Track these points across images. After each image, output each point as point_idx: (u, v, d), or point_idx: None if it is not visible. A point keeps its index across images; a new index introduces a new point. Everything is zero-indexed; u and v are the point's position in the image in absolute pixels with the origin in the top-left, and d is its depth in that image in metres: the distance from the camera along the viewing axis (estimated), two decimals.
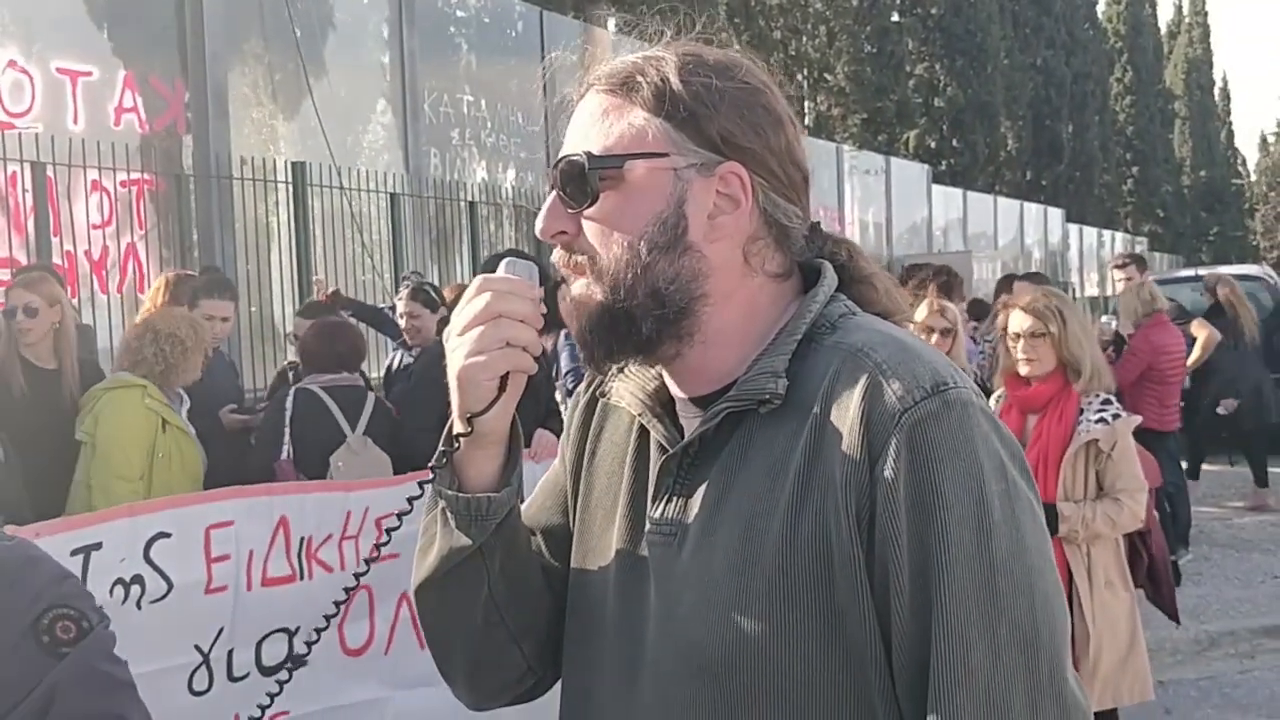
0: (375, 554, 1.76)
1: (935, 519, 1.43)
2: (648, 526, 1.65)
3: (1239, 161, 79.93)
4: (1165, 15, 72.31)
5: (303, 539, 4.83)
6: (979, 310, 11.66)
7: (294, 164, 11.06)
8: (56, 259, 8.83)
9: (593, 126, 1.61)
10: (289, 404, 5.99)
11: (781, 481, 1.52)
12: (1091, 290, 38.61)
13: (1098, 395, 5.06)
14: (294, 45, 11.61)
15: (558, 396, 7.00)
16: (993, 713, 1.42)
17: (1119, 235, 48.26)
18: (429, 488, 1.70)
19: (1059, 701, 1.45)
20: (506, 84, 14.89)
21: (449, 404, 1.64)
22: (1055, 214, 39.84)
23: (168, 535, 4.37)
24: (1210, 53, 73.94)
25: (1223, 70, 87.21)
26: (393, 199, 12.18)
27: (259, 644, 4.75)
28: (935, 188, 31.30)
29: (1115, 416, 5.01)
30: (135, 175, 9.86)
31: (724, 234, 1.59)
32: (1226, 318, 12.33)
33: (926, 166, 32.52)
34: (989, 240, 33.49)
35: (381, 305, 9.42)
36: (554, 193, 1.62)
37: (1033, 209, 37.87)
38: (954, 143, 38.57)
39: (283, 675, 1.87)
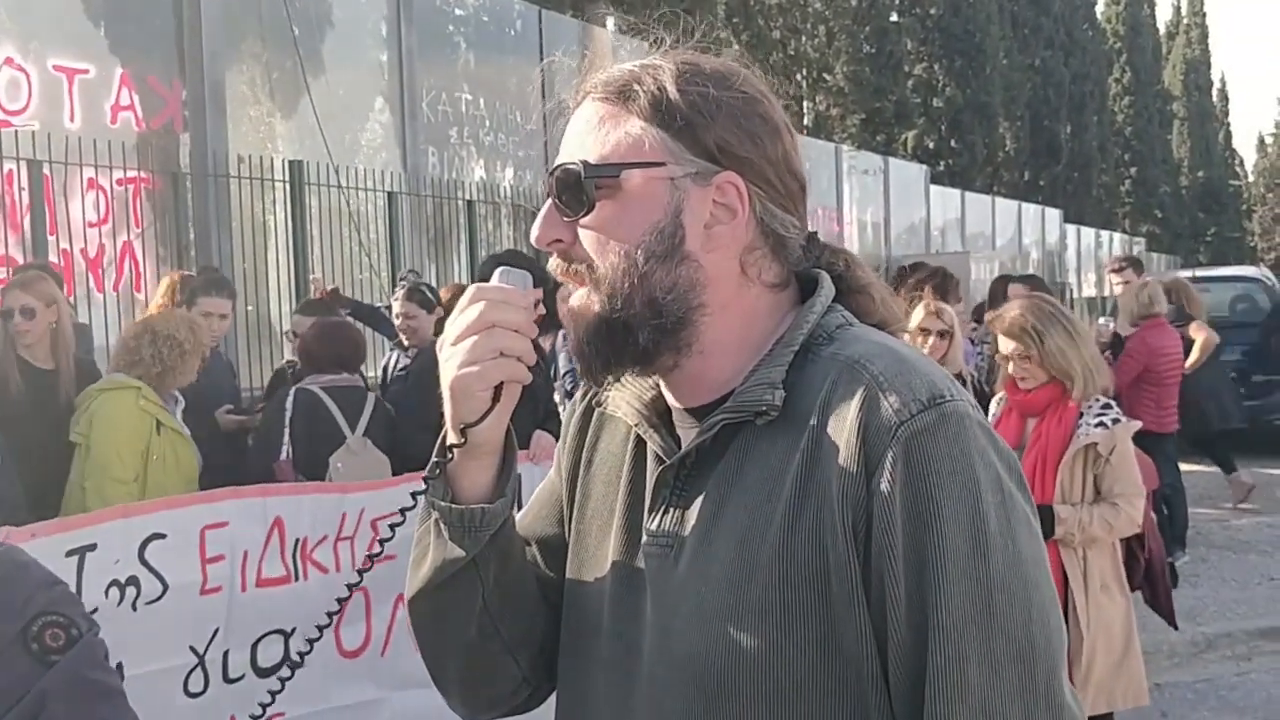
0: (378, 550, 1.75)
1: (932, 532, 1.42)
2: (644, 538, 1.64)
3: (1237, 163, 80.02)
4: (1164, 16, 72.47)
5: (298, 540, 4.83)
6: (981, 313, 11.65)
7: (291, 162, 11.05)
8: (53, 257, 8.81)
9: (589, 135, 1.61)
10: (289, 404, 5.98)
11: (778, 494, 1.51)
12: (1089, 291, 38.62)
13: (1097, 399, 5.05)
14: (292, 44, 11.58)
15: (555, 398, 6.99)
16: None
17: (1117, 236, 48.27)
18: (422, 498, 1.69)
19: (1055, 715, 1.45)
20: (505, 83, 14.87)
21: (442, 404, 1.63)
22: (1053, 214, 39.84)
23: (163, 536, 4.37)
24: (1208, 54, 74.05)
25: (1221, 71, 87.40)
26: (390, 198, 12.16)
27: (254, 645, 4.75)
28: (933, 188, 31.30)
29: (1115, 421, 5.00)
30: (132, 173, 9.84)
31: (721, 244, 1.58)
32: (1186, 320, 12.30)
33: (925, 167, 32.52)
34: (987, 240, 33.49)
35: (379, 305, 9.40)
36: (550, 200, 1.61)
37: (1031, 209, 37.87)
38: (952, 143, 38.59)
39: (284, 673, 1.87)
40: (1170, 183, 62.70)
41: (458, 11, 14.57)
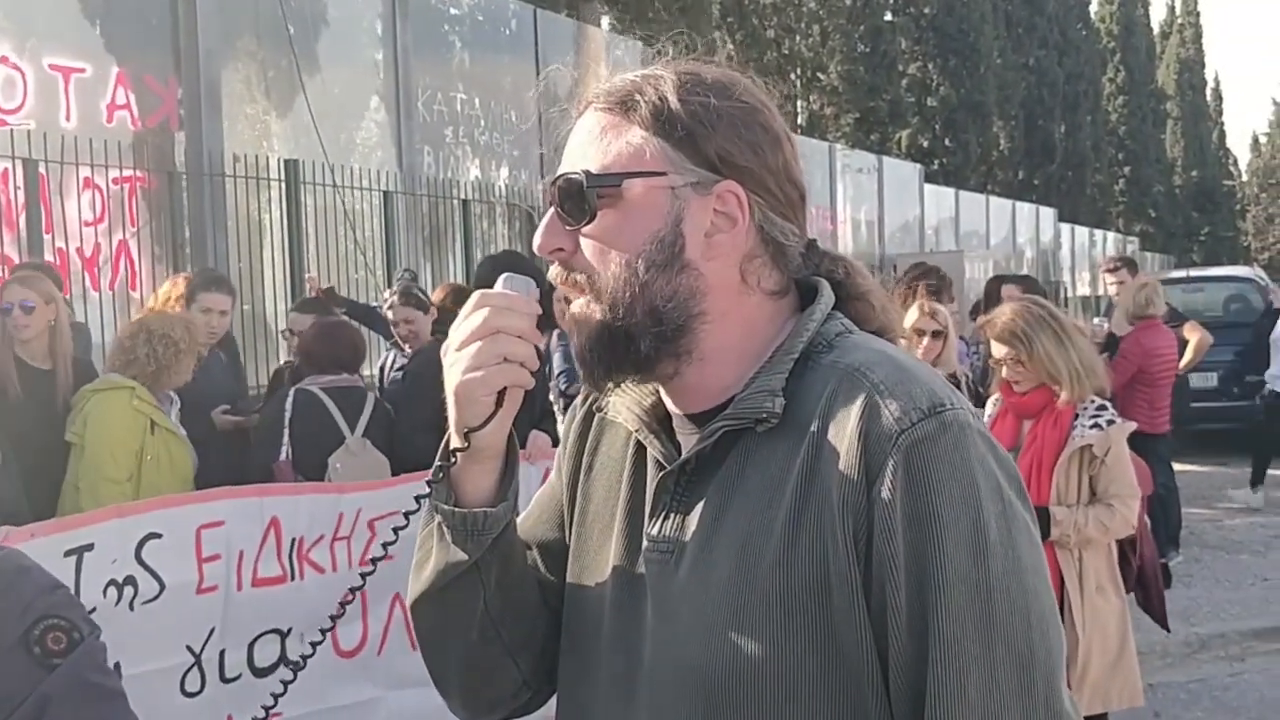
0: (380, 554, 1.76)
1: (932, 540, 1.43)
2: (645, 544, 1.65)
3: (1230, 162, 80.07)
4: (1158, 15, 72.66)
5: (294, 540, 4.83)
6: (977, 313, 11.66)
7: (287, 161, 11.04)
8: (48, 256, 8.79)
9: (591, 145, 1.62)
10: (288, 405, 5.97)
11: (778, 501, 1.52)
12: (1083, 290, 38.66)
13: (1093, 401, 5.06)
14: (287, 42, 11.57)
15: (550, 396, 6.99)
16: None
17: (1111, 235, 48.30)
18: (425, 502, 1.69)
19: None
20: (500, 82, 14.86)
21: (443, 406, 1.64)
22: (1047, 213, 39.84)
23: (159, 536, 4.38)
24: (1202, 53, 74.10)
25: (1215, 71, 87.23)
26: (386, 197, 12.15)
27: (251, 645, 4.76)
28: (927, 187, 31.27)
29: (1110, 422, 5.01)
30: (128, 172, 9.82)
31: (721, 252, 1.60)
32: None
33: (919, 166, 32.52)
34: (981, 239, 33.48)
35: (374, 304, 9.39)
36: (552, 209, 1.62)
37: (1025, 208, 37.88)
38: (946, 142, 38.63)
39: (285, 675, 1.87)
40: (1164, 182, 62.80)
41: (453, 11, 14.56)
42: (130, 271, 9.88)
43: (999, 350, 5.14)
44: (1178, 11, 74.67)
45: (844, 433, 1.49)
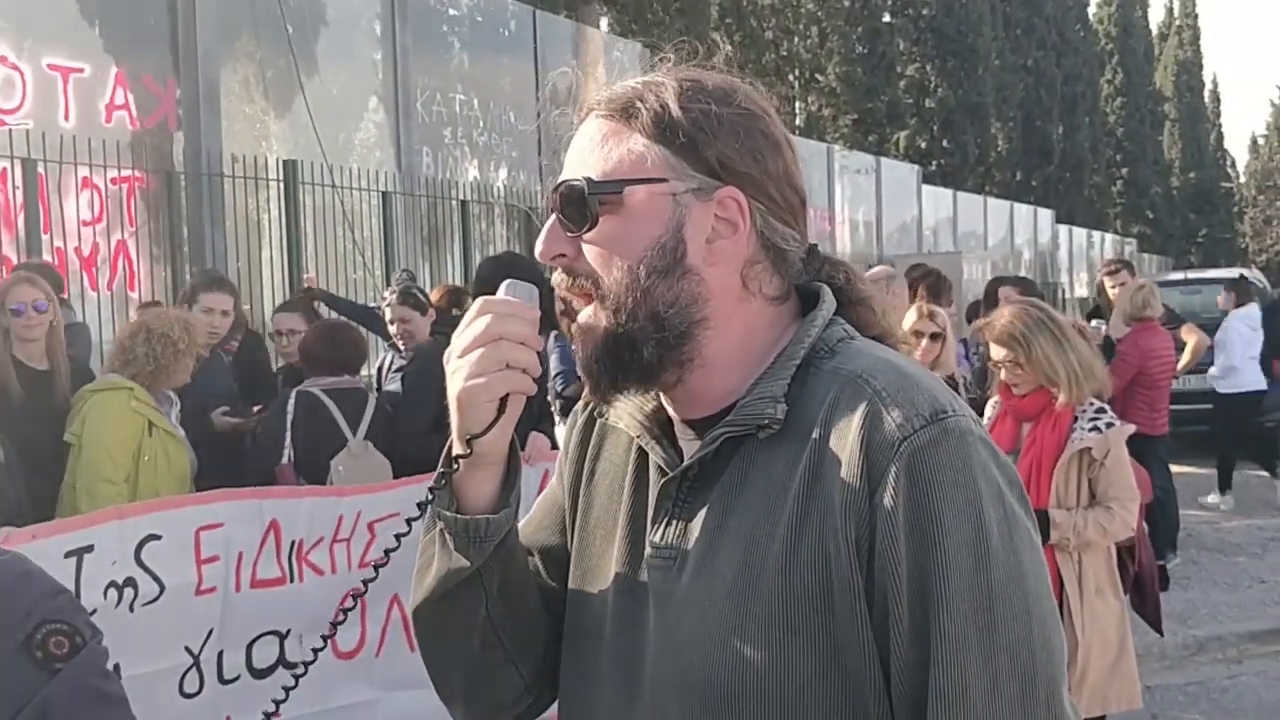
0: (384, 560, 1.76)
1: (934, 546, 1.44)
2: (648, 550, 1.65)
3: (1228, 164, 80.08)
4: (1156, 17, 72.59)
5: (294, 542, 4.84)
6: (974, 315, 11.67)
7: (285, 161, 11.04)
8: (47, 256, 8.80)
9: (592, 152, 1.63)
10: (290, 407, 5.96)
11: (780, 507, 1.53)
12: (1081, 291, 38.67)
13: (1091, 403, 5.07)
14: (286, 42, 11.58)
15: (548, 397, 6.98)
16: None
17: (1108, 236, 48.34)
18: (428, 508, 1.70)
19: None
20: (499, 83, 14.87)
21: (442, 407, 1.64)
22: (1045, 215, 39.88)
23: (158, 537, 4.38)
24: (1200, 55, 74.11)
25: (1213, 73, 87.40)
26: (384, 197, 12.15)
27: (249, 646, 4.77)
28: (925, 188, 31.30)
29: (1109, 425, 5.02)
30: (126, 172, 9.84)
31: (722, 258, 1.60)
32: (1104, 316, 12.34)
33: (917, 167, 32.54)
34: (979, 240, 33.50)
35: (373, 305, 9.39)
36: (554, 215, 1.63)
37: (1023, 209, 37.91)
38: (944, 143, 38.64)
39: (288, 680, 1.87)
40: (1162, 184, 62.83)
41: (451, 11, 14.57)
42: (128, 271, 9.89)
43: (998, 352, 5.15)
44: (1176, 13, 74.68)
45: (846, 439, 1.50)
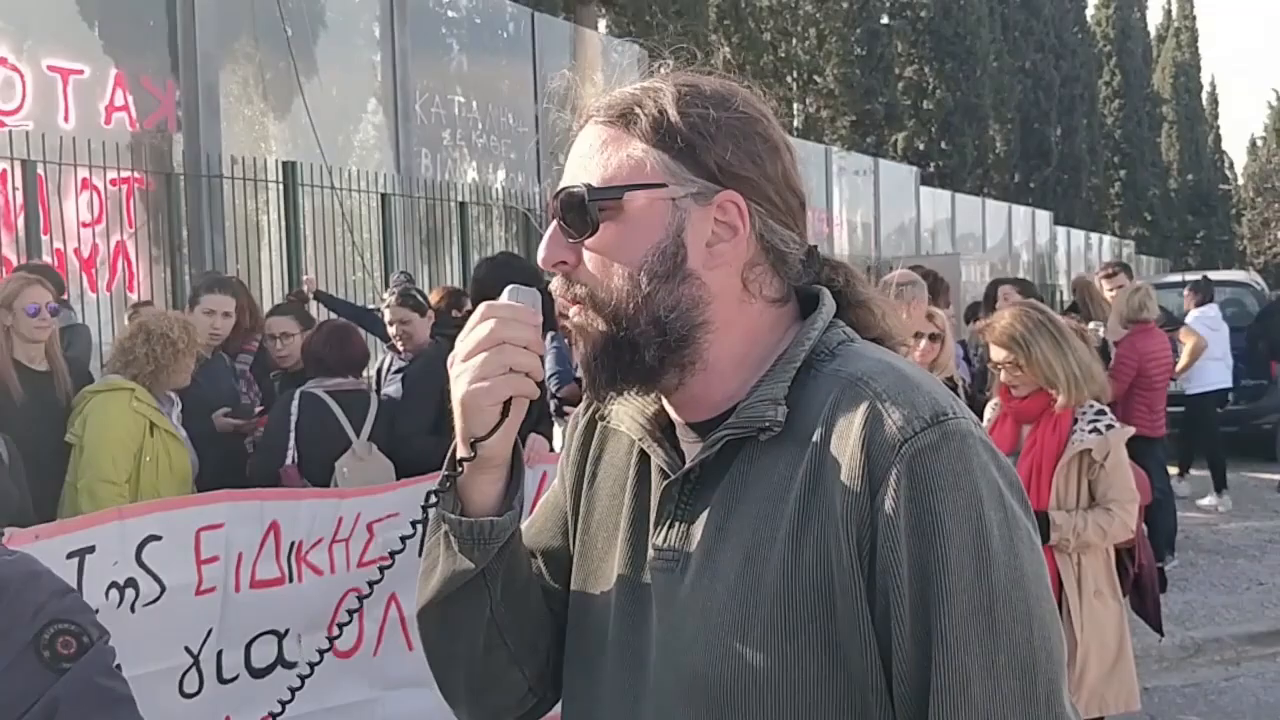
0: (389, 563, 1.77)
1: (935, 548, 1.45)
2: (650, 553, 1.66)
3: (1226, 166, 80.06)
4: (1154, 19, 72.60)
5: (293, 543, 4.85)
6: (972, 316, 11.68)
7: (284, 163, 11.06)
8: (46, 257, 8.82)
9: (592, 158, 1.64)
10: (294, 408, 5.96)
11: (781, 509, 1.54)
12: None
13: (1091, 405, 5.08)
14: (285, 44, 11.60)
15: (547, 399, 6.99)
16: None
17: (1106, 238, 48.36)
18: (432, 511, 1.71)
19: None
20: (498, 85, 14.89)
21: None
22: (1043, 216, 39.90)
23: (158, 538, 4.39)
24: (1198, 57, 74.08)
25: (1211, 74, 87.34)
26: (383, 199, 12.17)
27: (248, 646, 4.78)
28: (923, 189, 31.32)
29: (1109, 427, 5.03)
30: (125, 174, 9.86)
31: (723, 261, 1.61)
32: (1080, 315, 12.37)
33: (915, 168, 32.55)
34: (977, 242, 33.52)
35: (372, 307, 9.39)
36: (555, 223, 1.64)
37: (1021, 211, 37.93)
38: (942, 145, 38.66)
39: (294, 681, 1.88)
40: (1160, 186, 62.84)
41: (450, 14, 14.59)
42: (128, 273, 9.91)
43: (998, 354, 5.16)
44: (1174, 15, 74.66)
45: (847, 442, 1.51)
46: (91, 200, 9.53)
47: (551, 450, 5.96)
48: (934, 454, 1.46)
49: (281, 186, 11.00)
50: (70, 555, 4.04)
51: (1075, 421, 5.04)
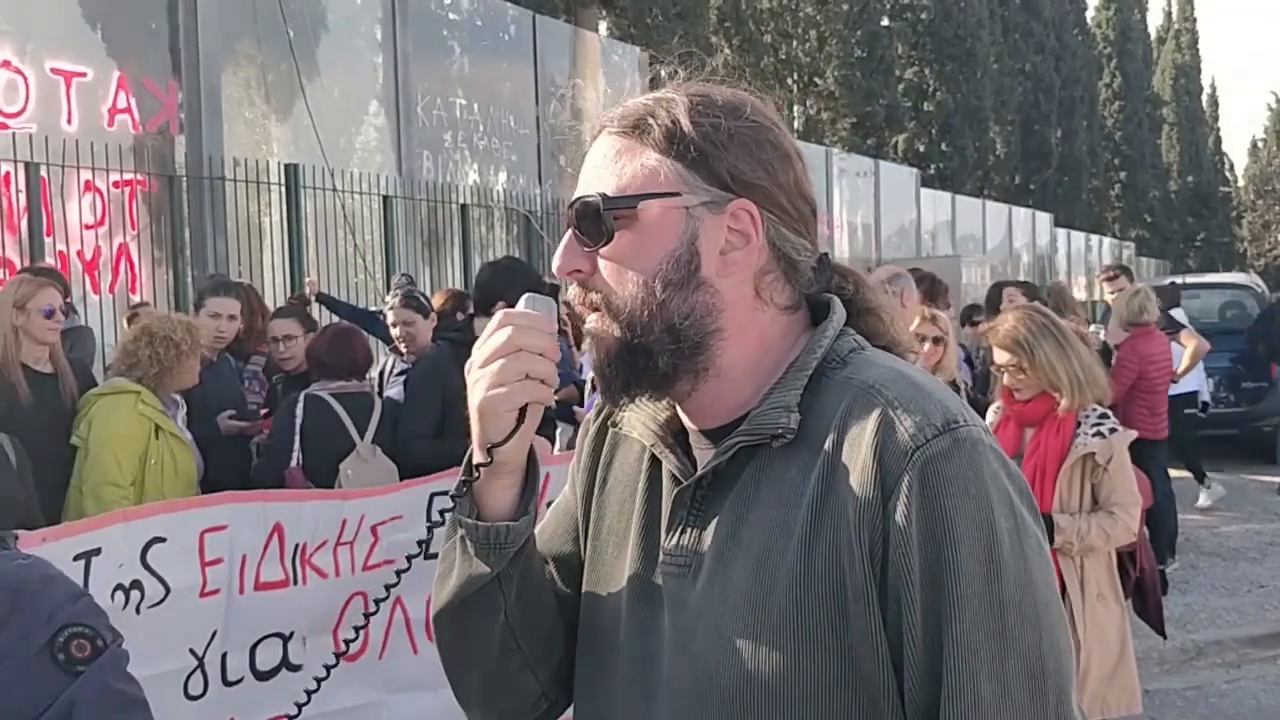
0: (406, 566, 1.79)
1: (946, 555, 1.46)
2: (661, 557, 1.68)
3: (1226, 167, 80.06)
4: (1154, 21, 72.58)
5: (297, 545, 4.84)
6: (970, 318, 11.68)
7: (286, 165, 11.08)
8: (49, 259, 8.84)
9: (606, 168, 1.66)
10: (299, 410, 5.97)
11: (794, 516, 1.55)
12: (1079, 295, 38.70)
13: (1094, 409, 5.09)
14: (287, 46, 11.62)
15: None
16: None
17: (1106, 240, 48.42)
18: (449, 515, 1.73)
19: None
20: (499, 87, 14.91)
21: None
22: (1043, 218, 39.95)
23: (163, 540, 4.39)
24: (1199, 59, 74.11)
25: (1211, 76, 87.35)
26: (385, 201, 12.19)
27: (253, 648, 4.78)
28: (924, 191, 31.36)
29: (1112, 430, 5.04)
30: (128, 176, 9.88)
31: (736, 269, 1.63)
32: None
33: (915, 170, 32.58)
34: (978, 244, 33.56)
35: (374, 309, 9.39)
36: (570, 231, 1.66)
37: (1021, 213, 37.98)
38: (943, 147, 38.66)
39: (310, 684, 1.90)
40: (1160, 187, 62.86)
41: (452, 16, 14.61)
42: (130, 275, 9.93)
43: (1001, 357, 5.17)
44: (1174, 17, 74.68)
45: (859, 449, 1.52)
46: (94, 202, 9.55)
47: (552, 451, 5.97)
48: (945, 461, 1.48)
49: (283, 188, 11.03)
50: (77, 558, 4.05)
51: (1078, 425, 5.05)
